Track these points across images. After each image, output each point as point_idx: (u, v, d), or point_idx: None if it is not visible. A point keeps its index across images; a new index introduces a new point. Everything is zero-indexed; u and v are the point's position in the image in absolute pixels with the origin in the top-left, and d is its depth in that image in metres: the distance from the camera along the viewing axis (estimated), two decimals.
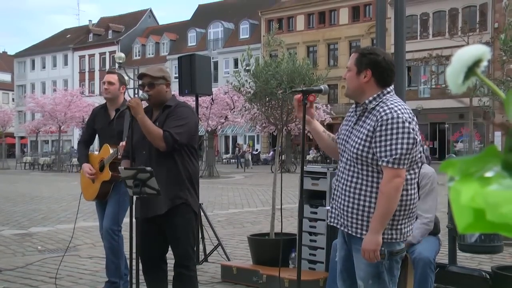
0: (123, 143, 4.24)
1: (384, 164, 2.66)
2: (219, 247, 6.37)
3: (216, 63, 47.22)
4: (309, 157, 35.81)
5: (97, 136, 4.97)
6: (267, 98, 5.54)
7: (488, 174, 0.59)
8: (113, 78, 4.82)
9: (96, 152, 4.90)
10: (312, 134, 3.16)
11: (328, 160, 33.39)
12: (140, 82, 3.78)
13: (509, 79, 8.84)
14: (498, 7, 32.22)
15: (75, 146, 50.66)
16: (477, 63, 0.75)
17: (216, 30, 50.79)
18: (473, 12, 35.95)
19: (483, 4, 35.56)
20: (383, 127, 2.67)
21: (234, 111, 24.91)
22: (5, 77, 73.48)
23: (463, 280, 4.60)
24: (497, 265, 4.90)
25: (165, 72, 3.85)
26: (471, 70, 0.75)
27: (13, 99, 68.04)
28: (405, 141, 2.65)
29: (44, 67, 63.44)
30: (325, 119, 29.06)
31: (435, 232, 4.29)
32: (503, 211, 0.55)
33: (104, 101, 4.97)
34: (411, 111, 2.79)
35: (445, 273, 4.59)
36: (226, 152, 48.24)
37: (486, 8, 35.38)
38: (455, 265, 4.89)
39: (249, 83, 5.73)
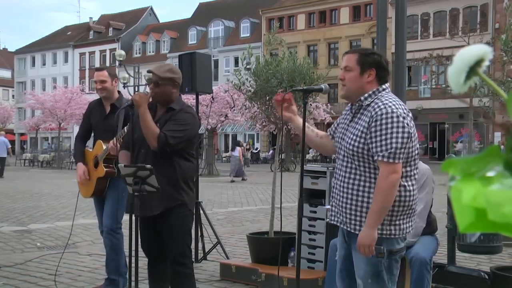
0: (113, 141, 4.24)
1: (380, 158, 2.67)
2: (218, 245, 6.37)
3: (216, 62, 47.20)
4: (308, 156, 35.81)
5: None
6: (268, 97, 5.53)
7: (490, 173, 0.59)
8: (104, 75, 4.77)
9: (91, 149, 4.88)
10: (296, 131, 3.14)
11: (328, 159, 33.37)
12: (147, 77, 3.80)
13: (509, 79, 8.82)
14: (499, 7, 32.22)
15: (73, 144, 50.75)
16: (479, 62, 0.75)
17: (216, 29, 50.75)
18: (474, 12, 35.93)
19: (484, 5, 35.54)
20: (378, 122, 2.69)
21: (234, 110, 24.90)
22: (5, 73, 73.42)
23: (461, 280, 4.61)
24: (496, 266, 4.89)
25: (174, 73, 3.77)
26: (473, 70, 0.75)
27: (13, 96, 68.02)
28: (400, 135, 2.66)
29: (44, 64, 63.38)
30: (325, 118, 29.09)
31: (431, 231, 4.25)
32: (505, 210, 0.55)
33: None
34: (405, 107, 2.80)
35: (444, 273, 4.59)
36: (226, 150, 48.21)
37: (487, 9, 35.37)
38: (454, 265, 4.89)
39: (250, 81, 5.73)
